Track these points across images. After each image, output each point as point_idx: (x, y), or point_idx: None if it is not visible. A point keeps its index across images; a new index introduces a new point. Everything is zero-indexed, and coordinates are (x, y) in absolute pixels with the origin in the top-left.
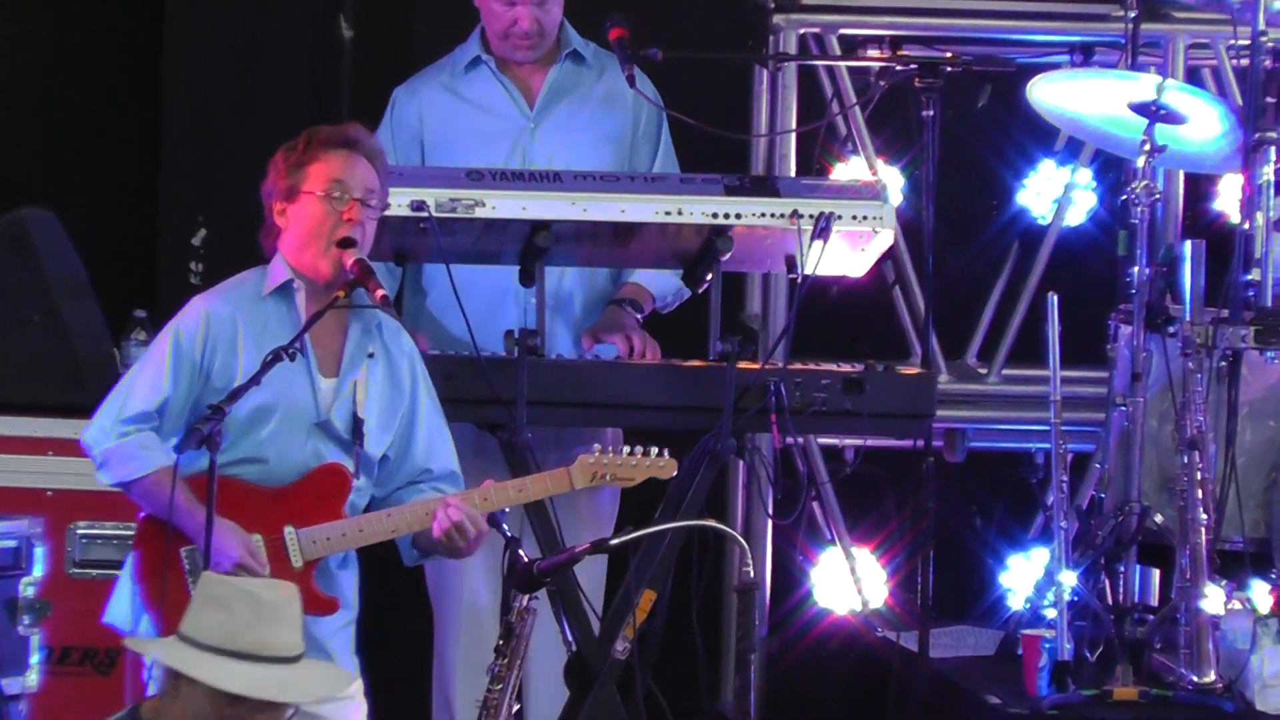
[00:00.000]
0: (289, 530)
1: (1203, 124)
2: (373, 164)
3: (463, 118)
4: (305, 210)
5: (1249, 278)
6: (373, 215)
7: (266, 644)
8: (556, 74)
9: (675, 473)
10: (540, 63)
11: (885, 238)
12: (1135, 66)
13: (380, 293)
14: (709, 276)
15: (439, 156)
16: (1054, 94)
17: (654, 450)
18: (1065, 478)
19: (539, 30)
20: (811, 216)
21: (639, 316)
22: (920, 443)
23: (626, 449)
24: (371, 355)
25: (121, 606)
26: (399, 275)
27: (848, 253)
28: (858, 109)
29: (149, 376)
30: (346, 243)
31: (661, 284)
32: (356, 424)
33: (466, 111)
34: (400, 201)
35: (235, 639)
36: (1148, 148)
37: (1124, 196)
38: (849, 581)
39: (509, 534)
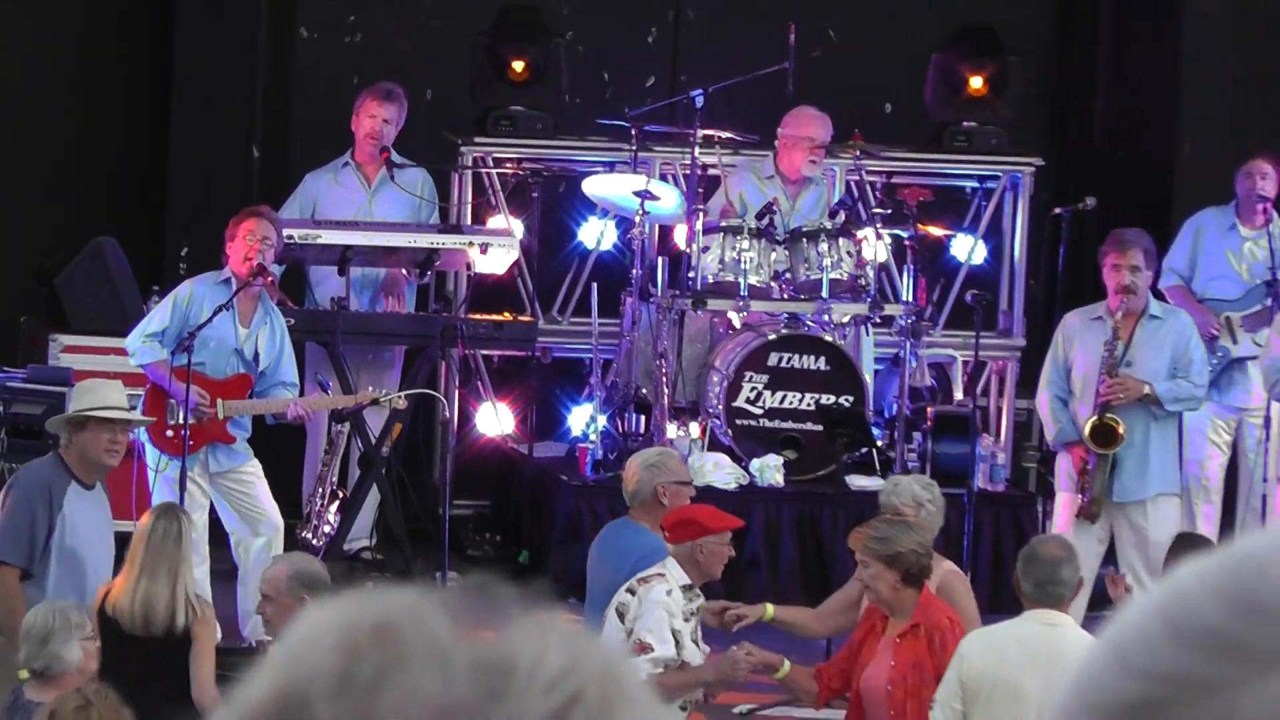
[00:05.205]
0: (219, 400)
1: (668, 201)
2: (270, 223)
3: (336, 190)
4: (235, 245)
5: (690, 275)
6: (268, 249)
7: (109, 398)
8: (384, 170)
9: (403, 404)
10: (378, 165)
11: (513, 254)
12: (635, 172)
13: (269, 279)
14: (429, 273)
15: (323, 209)
16: (595, 186)
17: (396, 393)
18: (599, 371)
19: (383, 136)
20: (480, 245)
21: (410, 279)
22: (530, 353)
23: (390, 392)
24: (265, 326)
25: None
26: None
27: (496, 261)
28: (501, 192)
29: (160, 315)
30: (257, 269)
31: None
32: (255, 356)
33: (340, 187)
34: (286, 236)
35: (104, 400)
36: (641, 211)
37: (630, 235)
38: (495, 419)
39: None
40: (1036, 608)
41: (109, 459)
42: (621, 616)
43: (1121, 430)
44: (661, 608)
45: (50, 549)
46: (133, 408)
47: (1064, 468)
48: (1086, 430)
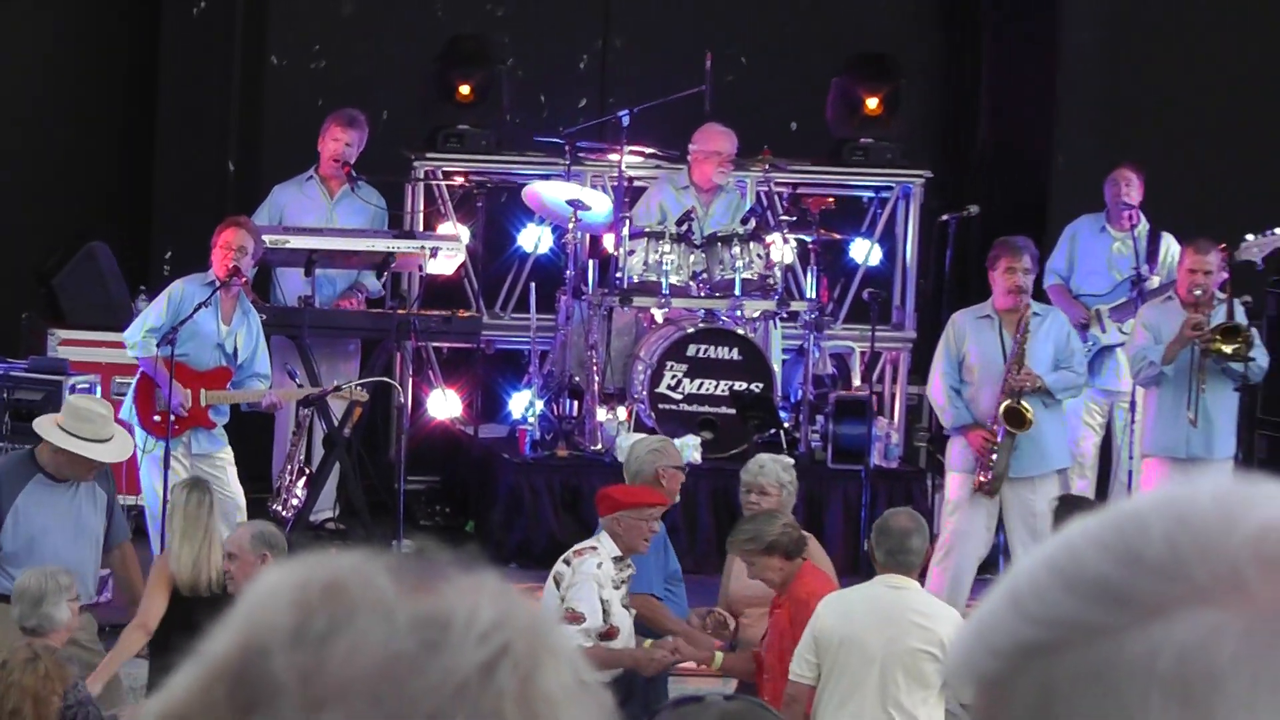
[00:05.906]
0: (202, 390)
1: (600, 208)
2: (248, 233)
3: (301, 200)
4: (217, 252)
5: (618, 275)
6: (244, 256)
7: (102, 431)
8: (346, 185)
9: (366, 398)
10: (339, 179)
11: (460, 257)
12: (568, 183)
13: (243, 280)
14: (385, 274)
15: (289, 217)
16: (535, 194)
17: (359, 387)
18: (537, 361)
19: (345, 157)
20: (429, 248)
21: (362, 294)
22: (475, 345)
23: (349, 383)
24: (244, 325)
25: (125, 411)
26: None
27: (445, 264)
28: (450, 202)
29: (154, 311)
30: (233, 270)
31: (373, 285)
32: (235, 350)
33: (305, 198)
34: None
35: (97, 433)
36: (574, 219)
37: (564, 240)
38: (444, 404)
39: (298, 383)
40: (887, 573)
41: (86, 475)
42: (558, 584)
43: (1030, 416)
44: (592, 579)
45: (2, 535)
46: (120, 397)
47: (955, 449)
48: (1001, 411)
